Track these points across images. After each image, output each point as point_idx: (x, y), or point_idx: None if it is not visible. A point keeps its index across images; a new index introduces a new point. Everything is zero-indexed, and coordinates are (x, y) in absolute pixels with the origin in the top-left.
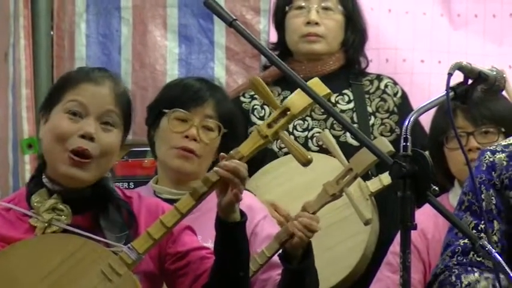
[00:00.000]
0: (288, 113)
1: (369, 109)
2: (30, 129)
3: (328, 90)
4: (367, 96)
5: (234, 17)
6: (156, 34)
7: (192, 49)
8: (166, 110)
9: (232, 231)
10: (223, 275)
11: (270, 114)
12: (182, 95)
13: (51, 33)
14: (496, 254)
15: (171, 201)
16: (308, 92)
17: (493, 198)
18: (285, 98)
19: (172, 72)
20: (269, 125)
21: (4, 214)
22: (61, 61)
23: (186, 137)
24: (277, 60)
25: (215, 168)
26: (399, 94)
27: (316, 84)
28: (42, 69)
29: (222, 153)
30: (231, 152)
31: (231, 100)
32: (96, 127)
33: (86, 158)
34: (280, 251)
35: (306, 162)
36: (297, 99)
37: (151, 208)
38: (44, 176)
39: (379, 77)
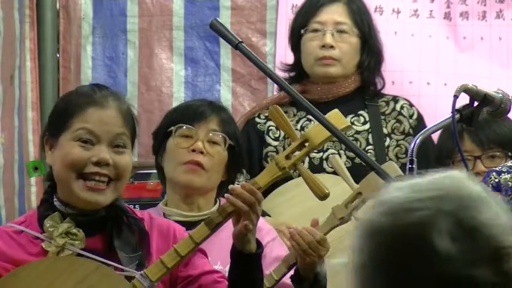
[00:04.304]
0: (307, 144)
1: (385, 130)
2: (36, 152)
3: (348, 123)
4: (382, 117)
5: (240, 40)
6: (162, 57)
7: (198, 72)
8: (171, 128)
9: (246, 261)
10: None
11: (285, 135)
12: (185, 114)
13: (58, 55)
14: None
15: (180, 224)
16: (327, 125)
17: None
18: (300, 118)
19: (179, 94)
20: (287, 157)
21: (15, 237)
22: (67, 84)
23: (193, 151)
24: (283, 82)
25: (226, 194)
26: (415, 116)
27: (336, 117)
28: (48, 92)
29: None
30: (247, 182)
31: (234, 122)
32: (109, 151)
33: (103, 182)
34: (292, 272)
35: (323, 196)
36: (316, 131)
37: (162, 229)
38: (55, 199)
39: (395, 99)
